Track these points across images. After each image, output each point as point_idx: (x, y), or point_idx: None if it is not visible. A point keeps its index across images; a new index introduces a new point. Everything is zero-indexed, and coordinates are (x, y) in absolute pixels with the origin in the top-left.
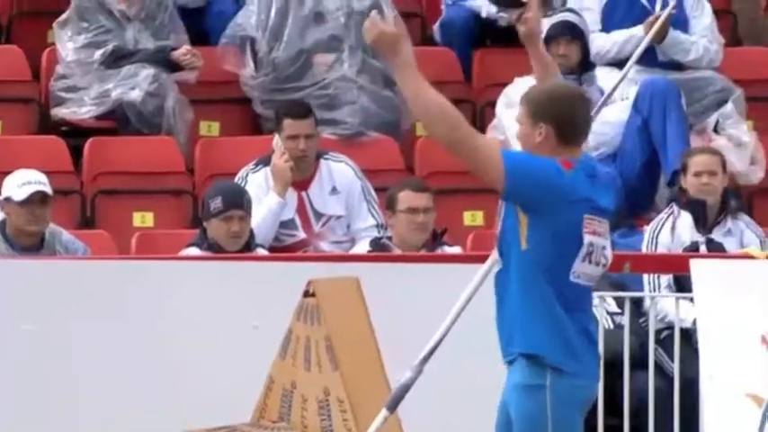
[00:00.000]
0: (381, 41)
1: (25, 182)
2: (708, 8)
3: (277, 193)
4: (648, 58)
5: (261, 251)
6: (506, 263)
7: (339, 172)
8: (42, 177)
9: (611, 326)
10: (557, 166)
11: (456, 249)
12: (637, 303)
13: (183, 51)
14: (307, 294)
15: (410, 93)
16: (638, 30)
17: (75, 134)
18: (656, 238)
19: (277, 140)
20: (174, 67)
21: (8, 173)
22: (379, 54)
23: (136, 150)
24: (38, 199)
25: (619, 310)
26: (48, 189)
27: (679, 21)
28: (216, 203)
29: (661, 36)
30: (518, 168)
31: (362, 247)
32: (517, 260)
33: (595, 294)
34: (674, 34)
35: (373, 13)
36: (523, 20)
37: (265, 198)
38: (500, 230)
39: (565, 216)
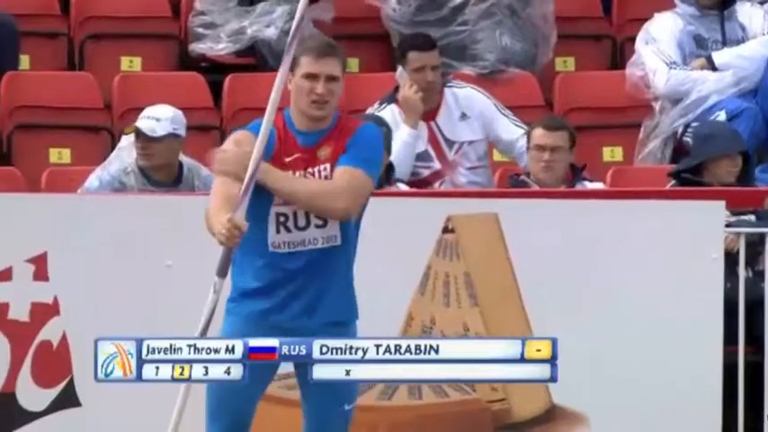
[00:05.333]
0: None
1: (145, 116)
2: None
3: (410, 126)
4: None
5: (401, 186)
6: (344, 239)
7: (466, 97)
8: (164, 113)
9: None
10: None
11: (597, 185)
12: None
13: None
14: (446, 230)
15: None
16: None
17: (214, 70)
18: None
19: (401, 73)
20: None
21: None
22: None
23: None
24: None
25: None
26: (159, 126)
27: None
28: None
29: None
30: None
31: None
32: (352, 235)
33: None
34: None
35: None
36: None
37: (397, 133)
38: None
39: None
